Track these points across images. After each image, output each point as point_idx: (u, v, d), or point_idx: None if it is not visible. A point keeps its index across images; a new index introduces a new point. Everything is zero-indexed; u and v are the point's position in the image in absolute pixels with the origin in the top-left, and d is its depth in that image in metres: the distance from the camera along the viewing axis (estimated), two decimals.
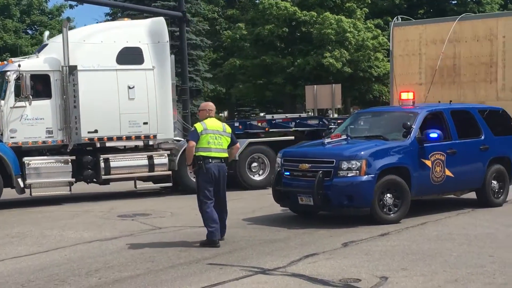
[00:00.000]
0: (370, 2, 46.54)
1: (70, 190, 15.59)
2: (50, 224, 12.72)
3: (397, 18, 27.26)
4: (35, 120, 15.33)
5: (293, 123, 18.77)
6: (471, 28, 23.34)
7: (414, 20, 27.93)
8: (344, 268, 8.41)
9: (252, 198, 15.67)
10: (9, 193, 15.60)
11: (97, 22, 38.22)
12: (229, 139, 10.36)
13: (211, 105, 10.62)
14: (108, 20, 51.03)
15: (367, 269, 8.30)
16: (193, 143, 10.10)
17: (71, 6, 48.17)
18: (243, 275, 8.19)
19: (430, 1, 48.53)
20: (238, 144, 10.69)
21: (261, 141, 17.88)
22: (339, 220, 11.75)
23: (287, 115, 21.51)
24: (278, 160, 12.46)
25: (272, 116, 19.68)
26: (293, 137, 17.95)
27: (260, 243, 10.15)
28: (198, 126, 10.21)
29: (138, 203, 15.32)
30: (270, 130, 18.44)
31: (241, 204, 14.24)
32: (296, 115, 20.75)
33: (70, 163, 15.49)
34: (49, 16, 48.03)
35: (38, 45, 31.76)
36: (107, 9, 49.10)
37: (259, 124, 18.50)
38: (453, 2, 50.16)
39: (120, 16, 44.17)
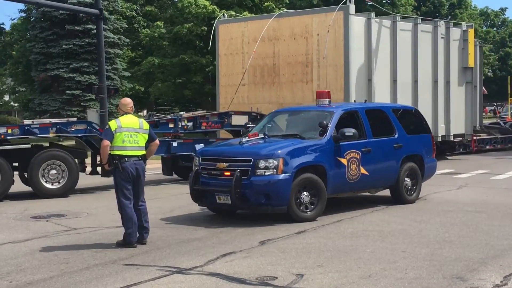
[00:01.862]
0: (288, 2, 47.04)
1: None
2: None
3: (223, 14, 26.07)
4: None
5: (54, 129, 16.41)
6: (289, 25, 22.33)
7: (238, 17, 26.95)
8: (260, 266, 8.46)
9: (171, 197, 15.58)
10: None
11: (11, 20, 37.12)
12: (146, 136, 10.24)
13: (129, 101, 10.42)
14: (22, 17, 49.79)
15: (283, 267, 8.37)
16: (107, 142, 9.95)
17: None
18: (159, 275, 8.13)
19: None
20: (157, 141, 10.57)
21: None
22: (256, 219, 11.82)
23: (51, 120, 18.30)
24: (196, 159, 12.43)
25: (32, 121, 17.17)
26: (29, 144, 16.09)
27: (177, 243, 10.10)
28: (112, 124, 10.03)
29: (53, 203, 14.98)
30: (13, 137, 16.04)
31: (159, 204, 14.13)
32: (63, 120, 17.76)
33: None
34: None
35: None
36: (21, 6, 47.83)
37: (8, 130, 16.00)
38: (369, 3, 51.10)
39: (35, 12, 43.21)
